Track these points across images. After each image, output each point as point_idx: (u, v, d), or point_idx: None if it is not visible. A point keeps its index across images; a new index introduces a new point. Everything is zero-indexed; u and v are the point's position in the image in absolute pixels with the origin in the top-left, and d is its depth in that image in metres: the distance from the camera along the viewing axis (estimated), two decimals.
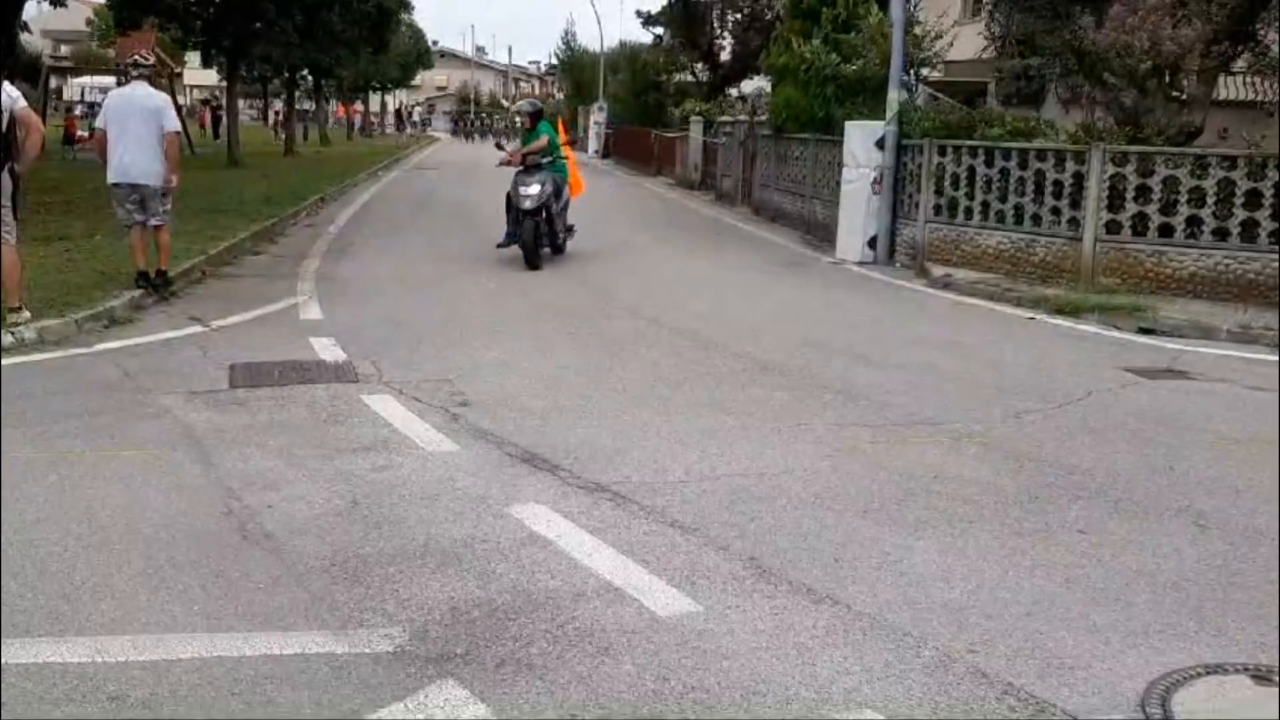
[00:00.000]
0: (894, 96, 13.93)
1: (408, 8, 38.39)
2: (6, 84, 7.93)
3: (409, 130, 68.12)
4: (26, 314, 8.09)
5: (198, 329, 8.52)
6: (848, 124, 14.60)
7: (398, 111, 70.86)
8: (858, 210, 14.15)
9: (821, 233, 16.55)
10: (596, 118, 48.14)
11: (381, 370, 7.34)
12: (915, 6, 16.00)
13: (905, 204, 14.04)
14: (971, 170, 12.93)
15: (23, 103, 8.12)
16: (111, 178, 9.70)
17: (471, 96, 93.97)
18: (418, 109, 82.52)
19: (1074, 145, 12.12)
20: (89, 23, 67.66)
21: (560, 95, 72.79)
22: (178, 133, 9.99)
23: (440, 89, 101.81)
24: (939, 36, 15.89)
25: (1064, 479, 5.51)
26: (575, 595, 3.99)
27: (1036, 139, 12.86)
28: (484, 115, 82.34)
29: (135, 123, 9.50)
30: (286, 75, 35.36)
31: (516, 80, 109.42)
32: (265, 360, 7.49)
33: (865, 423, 6.46)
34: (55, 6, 16.64)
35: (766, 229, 18.54)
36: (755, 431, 6.20)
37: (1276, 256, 10.60)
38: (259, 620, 3.75)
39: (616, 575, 4.15)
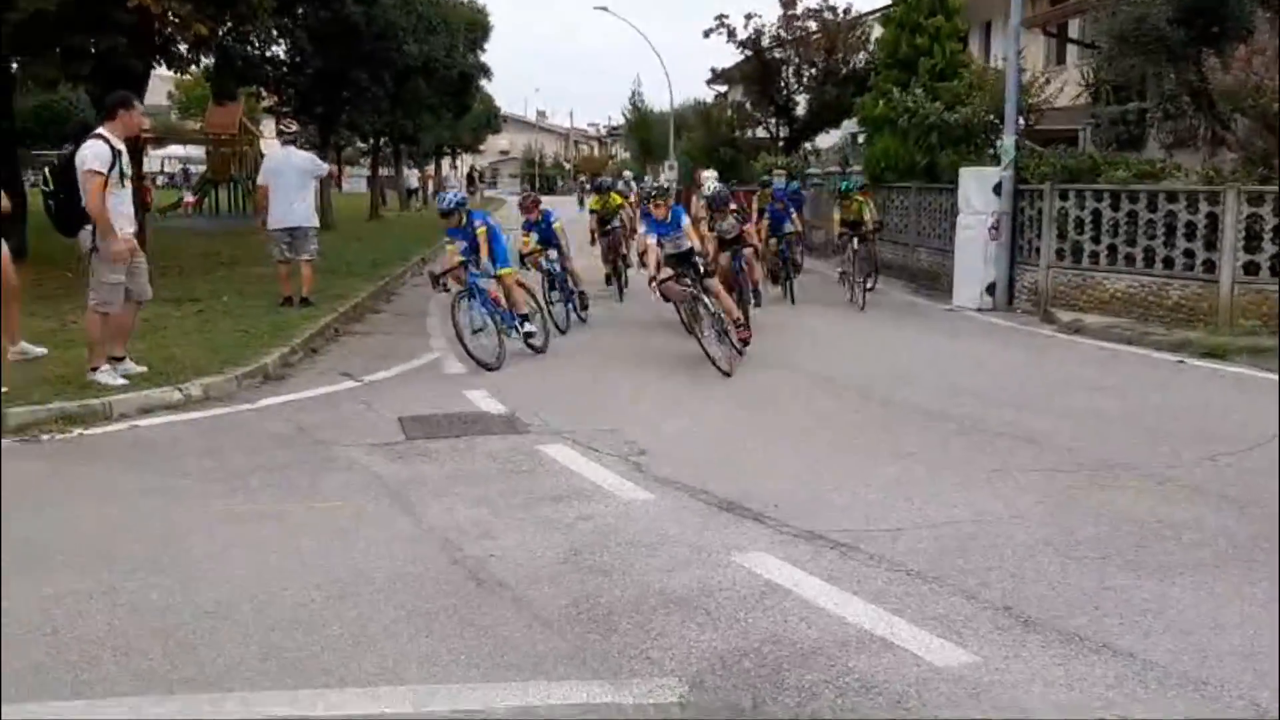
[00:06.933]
0: (1009, 142, 13.81)
1: (488, 74, 39.07)
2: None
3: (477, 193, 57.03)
4: (135, 367, 8.05)
5: (351, 384, 8.56)
6: (962, 170, 14.48)
7: (469, 175, 71.96)
8: (975, 256, 13.98)
9: (927, 280, 16.39)
10: (668, 175, 48.55)
11: (546, 421, 7.29)
12: (1020, 55, 15.87)
13: (1024, 249, 13.84)
14: (1096, 214, 12.73)
15: (86, 166, 7.54)
16: (271, 224, 11.92)
17: (536, 159, 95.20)
18: (415, 174, 60.22)
19: (1207, 186, 11.86)
20: (169, 96, 69.85)
21: (627, 155, 73.45)
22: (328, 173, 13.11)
23: (503, 153, 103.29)
24: (1048, 82, 15.75)
25: None
26: (840, 645, 3.84)
27: (1163, 181, 12.62)
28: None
29: (290, 178, 11.58)
30: (371, 141, 36.10)
31: (577, 143, 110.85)
32: (432, 413, 7.48)
33: (1057, 468, 6.25)
34: (180, 74, 17.15)
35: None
36: (949, 478, 6.02)
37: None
38: (528, 669, 3.65)
39: (875, 624, 4.00)
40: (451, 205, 9.88)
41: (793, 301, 14.58)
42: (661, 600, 4.24)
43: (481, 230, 9.70)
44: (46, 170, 8.01)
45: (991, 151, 15.60)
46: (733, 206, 11.97)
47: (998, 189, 13.78)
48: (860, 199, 15.06)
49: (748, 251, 11.62)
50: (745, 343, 9.71)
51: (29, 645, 3.82)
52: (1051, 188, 13.18)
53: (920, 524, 5.20)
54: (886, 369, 9.71)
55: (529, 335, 9.95)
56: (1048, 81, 15.83)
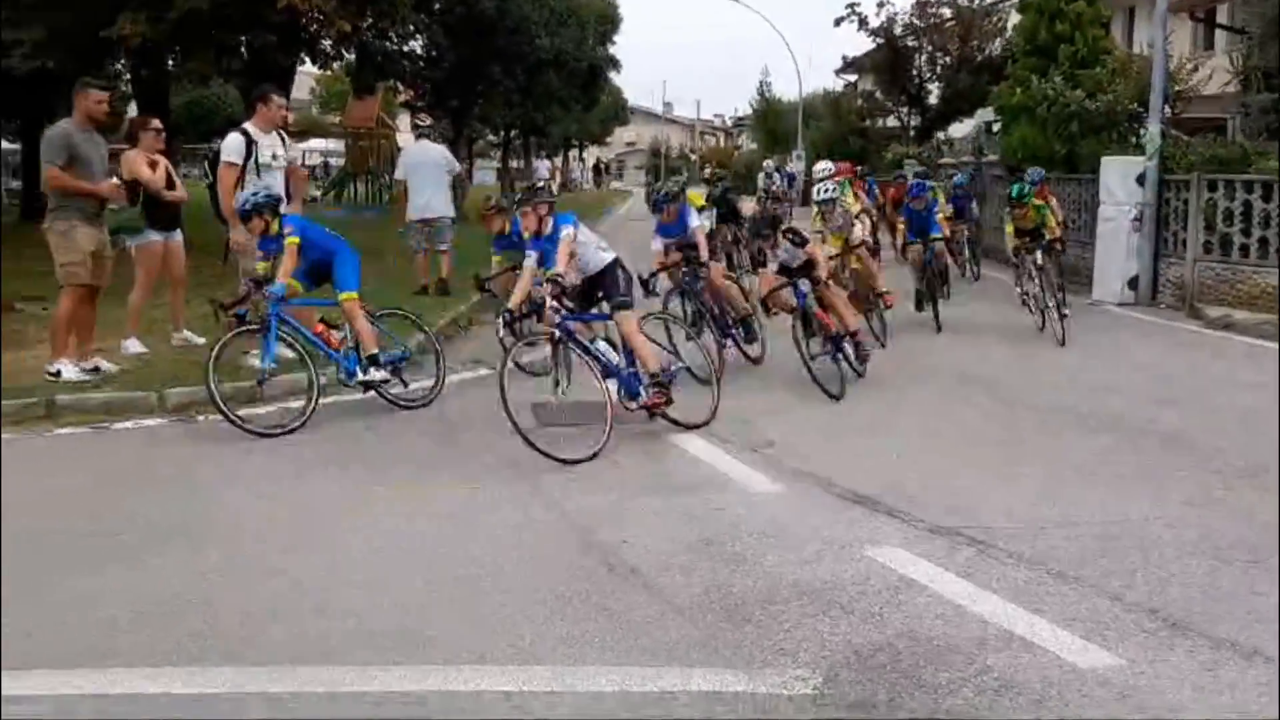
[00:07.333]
0: (1155, 131, 13.31)
1: (616, 66, 39.31)
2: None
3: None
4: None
5: (485, 371, 8.76)
6: (1104, 160, 14.00)
7: (595, 167, 72.74)
8: (1117, 249, 13.52)
9: (1066, 273, 15.87)
10: (795, 166, 48.18)
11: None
12: (1166, 40, 15.26)
13: (1169, 242, 13.33)
14: (1247, 205, 12.17)
15: (222, 157, 8.26)
16: (410, 215, 12.35)
17: (663, 151, 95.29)
18: (544, 165, 52.54)
19: None
20: (311, 91, 72.20)
21: (754, 145, 73.15)
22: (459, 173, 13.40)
23: (630, 145, 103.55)
24: (1195, 69, 15.12)
25: None
26: (977, 643, 3.78)
27: None
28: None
29: (427, 171, 11.99)
30: (502, 134, 36.73)
31: (703, 134, 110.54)
32: (563, 400, 7.59)
33: (1208, 469, 6.04)
34: (323, 70, 17.80)
35: (1001, 271, 17.88)
36: (1094, 479, 5.86)
37: None
38: (662, 655, 3.70)
39: (1014, 623, 3.93)
40: (249, 206, 7.23)
41: (939, 328, 11.26)
42: (794, 592, 4.25)
43: (291, 240, 7.14)
44: (205, 163, 8.58)
45: (1135, 141, 15.04)
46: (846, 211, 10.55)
47: (1141, 179, 13.28)
48: (1038, 203, 11.34)
49: (823, 284, 8.39)
50: (652, 410, 6.86)
51: (187, 615, 4.04)
52: (1199, 178, 12.65)
53: (1061, 522, 5.08)
54: (1026, 364, 9.49)
55: (380, 383, 7.39)
56: (1195, 68, 15.20)
